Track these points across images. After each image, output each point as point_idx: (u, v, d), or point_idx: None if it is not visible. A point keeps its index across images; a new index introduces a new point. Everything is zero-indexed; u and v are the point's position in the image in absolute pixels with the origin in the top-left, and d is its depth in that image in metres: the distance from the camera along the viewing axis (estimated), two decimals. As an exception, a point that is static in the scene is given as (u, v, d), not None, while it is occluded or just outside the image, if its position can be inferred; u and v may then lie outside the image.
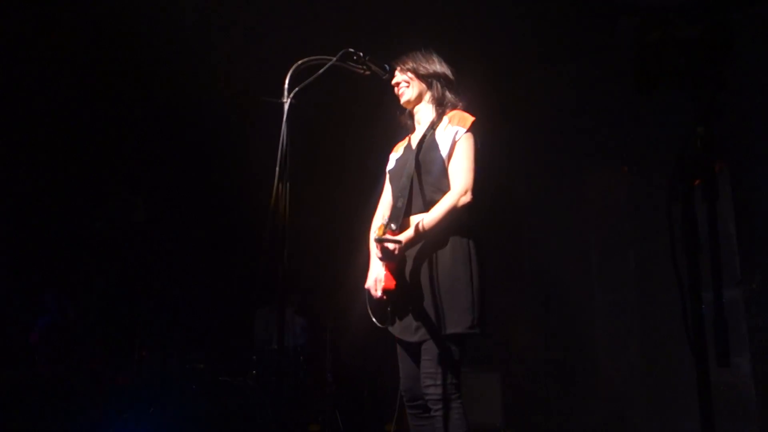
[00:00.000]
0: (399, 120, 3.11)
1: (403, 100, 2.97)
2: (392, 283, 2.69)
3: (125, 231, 5.34)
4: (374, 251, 2.86)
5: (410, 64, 2.95)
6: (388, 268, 2.71)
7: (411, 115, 3.06)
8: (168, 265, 5.80)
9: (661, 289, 5.22)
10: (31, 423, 5.11)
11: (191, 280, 6.11)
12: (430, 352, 2.64)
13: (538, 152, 6.15)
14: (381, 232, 2.71)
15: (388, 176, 3.10)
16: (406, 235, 2.68)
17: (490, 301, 2.76)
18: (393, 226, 2.74)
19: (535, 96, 6.17)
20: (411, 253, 2.75)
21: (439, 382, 2.59)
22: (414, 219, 2.76)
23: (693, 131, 1.49)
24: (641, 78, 1.62)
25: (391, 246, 2.64)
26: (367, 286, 2.86)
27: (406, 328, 2.74)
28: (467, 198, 2.67)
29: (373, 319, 2.85)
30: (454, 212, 2.66)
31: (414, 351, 2.77)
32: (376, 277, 2.76)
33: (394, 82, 2.95)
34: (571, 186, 6.10)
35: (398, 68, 2.97)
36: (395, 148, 3.15)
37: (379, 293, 2.73)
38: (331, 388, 5.54)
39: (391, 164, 3.09)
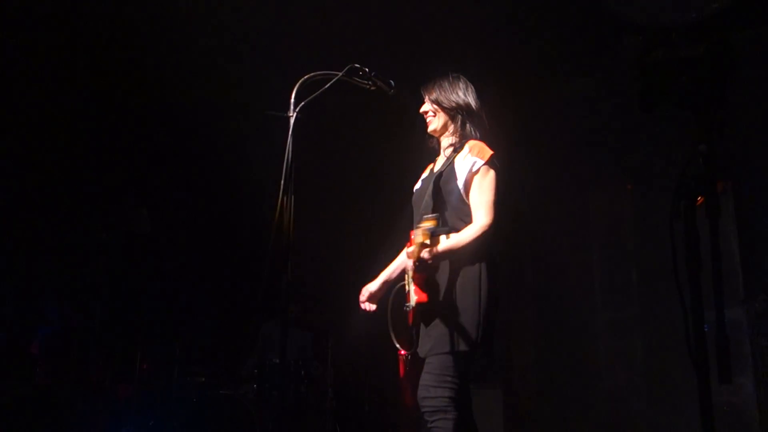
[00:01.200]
0: (429, 144, 3.24)
1: (429, 129, 3.10)
2: (424, 296, 2.74)
3: (130, 242, 5.35)
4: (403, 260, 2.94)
5: (434, 95, 3.06)
6: (417, 282, 2.76)
7: (438, 141, 3.18)
8: (171, 277, 5.81)
9: (664, 306, 5.21)
10: (31, 435, 5.10)
11: (194, 292, 6.12)
12: (430, 366, 2.71)
13: (542, 169, 6.16)
14: (424, 239, 2.73)
15: (414, 197, 3.19)
16: (442, 246, 2.76)
17: (493, 319, 2.80)
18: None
19: (539, 114, 6.20)
20: (437, 278, 2.82)
21: (432, 394, 2.65)
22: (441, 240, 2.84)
23: (696, 149, 1.51)
24: (645, 96, 1.64)
25: (426, 255, 2.70)
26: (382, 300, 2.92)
27: (421, 345, 2.80)
28: (489, 231, 2.79)
29: (397, 345, 2.92)
30: (476, 242, 2.76)
31: (421, 366, 2.81)
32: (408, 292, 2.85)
33: (421, 110, 3.08)
34: (575, 202, 6.10)
35: (425, 96, 3.10)
36: (427, 168, 3.27)
37: (412, 304, 2.80)
38: (331, 403, 5.52)
39: (418, 185, 3.21)
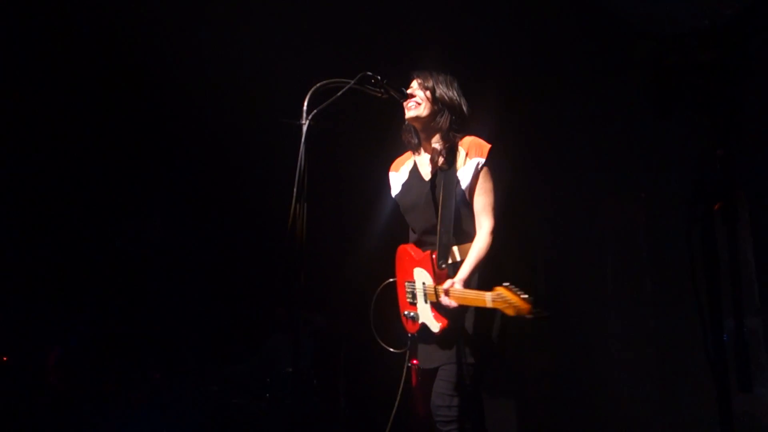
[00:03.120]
0: (402, 135, 3.09)
1: (409, 114, 2.93)
2: (445, 321, 2.74)
3: (143, 250, 5.38)
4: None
5: (431, 83, 2.93)
6: (436, 308, 2.75)
7: (415, 134, 3.04)
8: (184, 286, 5.82)
9: (678, 315, 5.16)
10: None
11: (207, 300, 6.12)
12: (445, 374, 2.68)
13: (554, 176, 6.14)
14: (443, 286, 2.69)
15: (400, 204, 3.10)
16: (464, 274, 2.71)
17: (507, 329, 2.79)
18: (443, 265, 2.77)
19: (549, 120, 6.18)
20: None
21: (447, 403, 2.62)
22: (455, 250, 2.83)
23: (712, 154, 1.49)
24: (659, 101, 1.63)
25: (454, 304, 2.66)
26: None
27: (429, 357, 2.78)
28: (496, 232, 2.80)
29: (385, 346, 2.94)
30: (489, 248, 2.77)
31: (433, 377, 2.79)
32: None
33: (409, 92, 2.92)
34: (587, 210, 6.07)
35: (418, 81, 2.96)
36: (395, 167, 3.15)
37: (436, 330, 2.77)
38: (344, 413, 5.50)
39: (396, 188, 3.10)
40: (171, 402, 5.27)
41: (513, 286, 2.40)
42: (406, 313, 2.93)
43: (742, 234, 4.86)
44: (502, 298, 2.39)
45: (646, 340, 5.58)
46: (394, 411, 3.01)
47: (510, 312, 2.40)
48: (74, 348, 5.79)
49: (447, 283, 2.66)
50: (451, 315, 2.71)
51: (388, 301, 3.13)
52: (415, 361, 3.00)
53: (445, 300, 2.65)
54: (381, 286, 3.15)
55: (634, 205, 5.88)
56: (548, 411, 5.96)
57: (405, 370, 3.02)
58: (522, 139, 6.17)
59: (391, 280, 3.12)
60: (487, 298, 2.45)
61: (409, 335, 2.95)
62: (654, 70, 1.64)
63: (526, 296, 2.36)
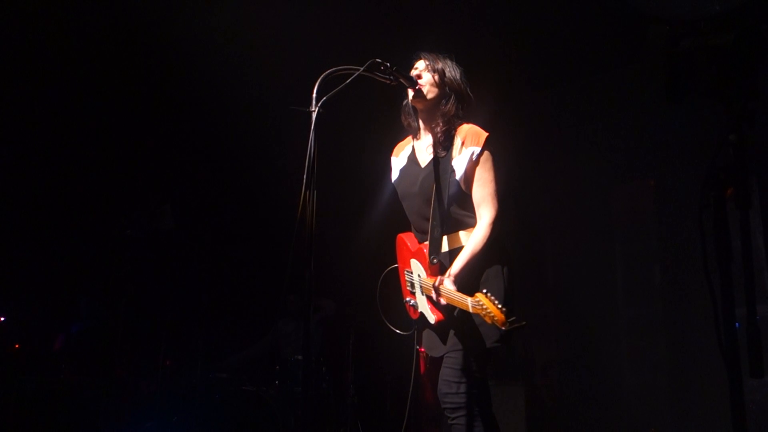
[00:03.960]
0: (403, 118, 3.02)
1: (425, 96, 2.82)
2: (441, 315, 2.74)
3: (154, 238, 5.39)
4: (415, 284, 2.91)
5: (440, 65, 2.85)
6: (432, 302, 2.74)
7: (416, 116, 2.98)
8: (194, 273, 5.84)
9: (688, 303, 5.14)
10: (55, 431, 5.16)
11: (217, 288, 6.15)
12: (451, 361, 2.68)
13: (564, 167, 6.12)
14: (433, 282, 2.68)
15: (397, 190, 3.06)
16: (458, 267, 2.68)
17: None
18: (434, 260, 2.75)
19: (560, 108, 6.15)
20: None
21: (454, 390, 2.63)
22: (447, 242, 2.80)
23: (725, 139, 1.48)
24: (672, 86, 1.61)
25: (443, 301, 2.66)
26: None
27: (434, 345, 2.79)
28: (496, 223, 2.72)
29: (394, 329, 2.95)
30: (488, 239, 2.69)
31: (439, 364, 2.80)
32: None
33: (415, 73, 2.84)
34: (596, 198, 6.05)
35: (425, 62, 2.87)
36: (396, 152, 3.11)
37: (432, 321, 2.77)
38: (353, 399, 5.53)
39: (395, 174, 3.05)
40: (181, 389, 5.31)
41: (491, 296, 2.40)
42: (407, 300, 2.94)
43: (751, 221, 4.83)
44: (481, 305, 2.40)
45: (656, 327, 5.58)
46: (409, 400, 3.02)
47: (488, 320, 2.41)
48: (76, 335, 5.85)
49: (437, 280, 2.64)
50: (445, 310, 2.71)
51: (394, 285, 3.13)
52: (422, 349, 3.01)
53: (435, 295, 2.65)
54: (385, 272, 3.15)
55: (643, 192, 5.86)
56: (557, 397, 5.97)
57: (415, 354, 3.03)
58: (530, 126, 6.15)
59: (394, 266, 3.12)
60: (468, 303, 2.45)
61: (413, 321, 2.96)
62: (666, 55, 1.63)
63: (503, 308, 2.37)
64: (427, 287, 2.75)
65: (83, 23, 5.20)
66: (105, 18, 5.18)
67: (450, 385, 2.67)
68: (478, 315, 2.46)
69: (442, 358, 2.76)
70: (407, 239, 3.00)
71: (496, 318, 2.37)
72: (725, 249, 1.45)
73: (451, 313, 2.70)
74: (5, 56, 5.35)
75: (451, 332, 2.72)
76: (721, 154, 1.48)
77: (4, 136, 5.83)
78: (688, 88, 1.59)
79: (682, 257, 5.21)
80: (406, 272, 2.99)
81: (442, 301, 2.63)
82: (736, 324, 1.51)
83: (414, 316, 2.92)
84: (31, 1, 4.98)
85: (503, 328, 2.37)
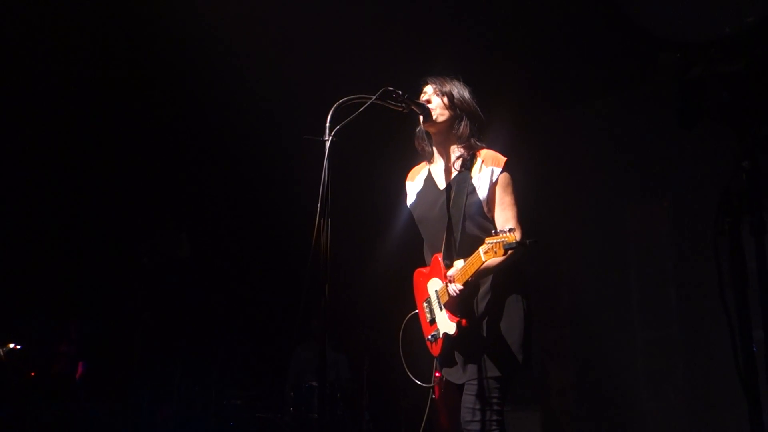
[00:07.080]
0: (417, 143, 3.00)
1: (433, 120, 2.80)
2: (458, 318, 2.71)
3: (170, 266, 5.43)
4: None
5: (447, 88, 2.84)
6: (449, 308, 2.73)
7: (430, 141, 2.97)
8: (209, 301, 5.87)
9: (704, 326, 5.09)
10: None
11: (231, 315, 6.17)
12: (472, 388, 2.66)
13: (579, 189, 6.11)
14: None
15: (414, 214, 3.04)
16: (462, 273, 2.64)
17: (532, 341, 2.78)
18: (448, 263, 2.75)
19: (574, 133, 6.16)
20: (474, 303, 2.76)
21: (478, 418, 2.60)
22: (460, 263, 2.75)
23: (738, 165, 1.48)
24: (684, 113, 1.62)
25: (459, 286, 2.64)
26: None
27: (454, 371, 2.77)
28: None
29: (415, 380, 2.95)
30: (512, 261, 2.66)
31: (456, 388, 2.79)
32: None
33: (425, 98, 2.84)
34: (611, 222, 6.02)
35: (433, 86, 2.87)
36: (411, 176, 3.09)
37: (452, 332, 2.74)
38: (368, 426, 5.50)
39: (411, 197, 3.03)
40: (196, 415, 5.31)
41: (494, 233, 2.43)
42: (429, 337, 2.89)
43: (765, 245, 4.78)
44: (490, 244, 2.41)
45: (672, 350, 5.51)
46: (423, 424, 3.00)
47: (500, 252, 2.40)
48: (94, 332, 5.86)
49: (450, 272, 2.66)
50: (462, 309, 2.70)
51: (414, 334, 3.11)
52: (437, 374, 2.98)
53: (451, 288, 2.64)
54: (406, 318, 3.12)
55: (658, 214, 5.83)
56: (574, 422, 5.90)
57: (429, 402, 3.02)
58: (545, 148, 6.16)
59: (414, 312, 3.09)
60: (480, 253, 2.45)
61: (435, 360, 2.93)
62: (678, 82, 1.64)
63: (509, 231, 2.40)
64: (443, 293, 2.74)
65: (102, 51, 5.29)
66: (129, 42, 5.27)
67: (474, 413, 2.64)
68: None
69: (461, 384, 2.75)
70: (423, 269, 2.99)
71: (508, 240, 2.37)
72: (742, 276, 1.45)
73: (468, 314, 2.69)
74: (17, 84, 5.44)
75: (472, 360, 2.70)
76: (734, 181, 1.49)
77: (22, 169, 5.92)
78: (700, 114, 1.60)
79: (699, 278, 5.16)
80: (424, 304, 2.95)
81: (459, 287, 2.61)
82: (753, 347, 1.50)
83: (435, 353, 2.88)
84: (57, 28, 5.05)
85: (516, 244, 2.37)
